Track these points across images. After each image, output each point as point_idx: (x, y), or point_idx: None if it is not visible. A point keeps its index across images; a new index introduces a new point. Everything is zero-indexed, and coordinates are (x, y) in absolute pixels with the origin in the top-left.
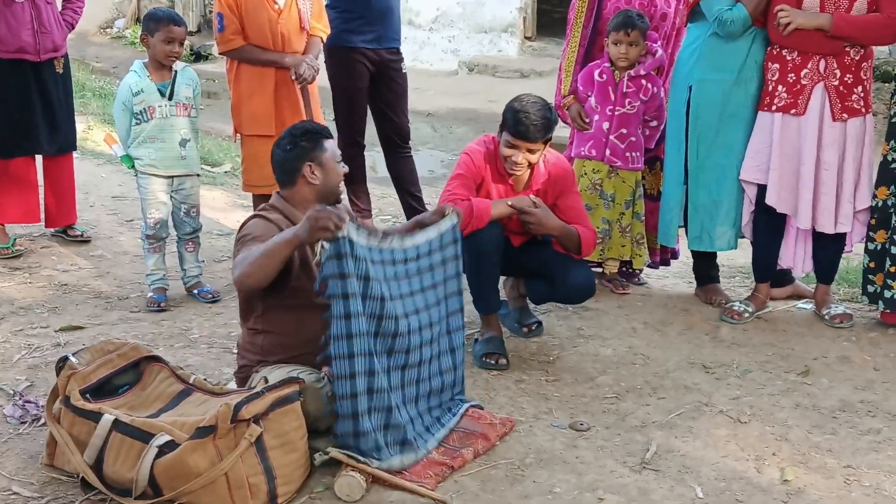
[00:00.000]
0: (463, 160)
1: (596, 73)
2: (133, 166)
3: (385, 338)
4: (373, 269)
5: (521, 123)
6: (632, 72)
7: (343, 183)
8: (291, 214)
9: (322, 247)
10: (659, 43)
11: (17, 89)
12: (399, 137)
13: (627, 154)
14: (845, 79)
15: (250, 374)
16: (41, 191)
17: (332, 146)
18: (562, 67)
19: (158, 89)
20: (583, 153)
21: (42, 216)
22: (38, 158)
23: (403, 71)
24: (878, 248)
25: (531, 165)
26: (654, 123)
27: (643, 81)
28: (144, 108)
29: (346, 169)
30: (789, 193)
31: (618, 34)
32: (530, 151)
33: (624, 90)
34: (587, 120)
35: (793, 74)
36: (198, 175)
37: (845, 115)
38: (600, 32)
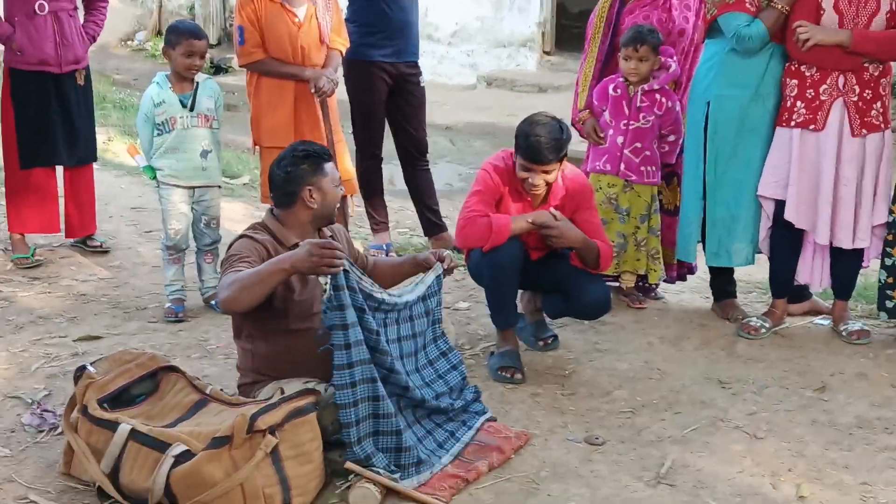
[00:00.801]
0: (481, 176)
1: (610, 87)
2: (155, 177)
3: (381, 369)
4: (365, 303)
5: (532, 148)
6: (645, 86)
7: (361, 195)
8: (283, 236)
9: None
10: (675, 58)
11: (37, 101)
12: (417, 150)
13: (642, 168)
14: (864, 94)
15: (250, 393)
16: (62, 202)
17: (331, 169)
18: (578, 82)
19: (180, 100)
20: (598, 168)
21: (62, 227)
22: (59, 170)
23: (421, 84)
24: (895, 263)
25: (549, 184)
26: (672, 138)
27: (657, 96)
28: (166, 119)
29: (343, 191)
30: (808, 209)
31: (627, 50)
32: (545, 172)
33: (638, 104)
34: (602, 135)
35: (811, 90)
36: (219, 187)
37: (864, 131)
38: (617, 48)
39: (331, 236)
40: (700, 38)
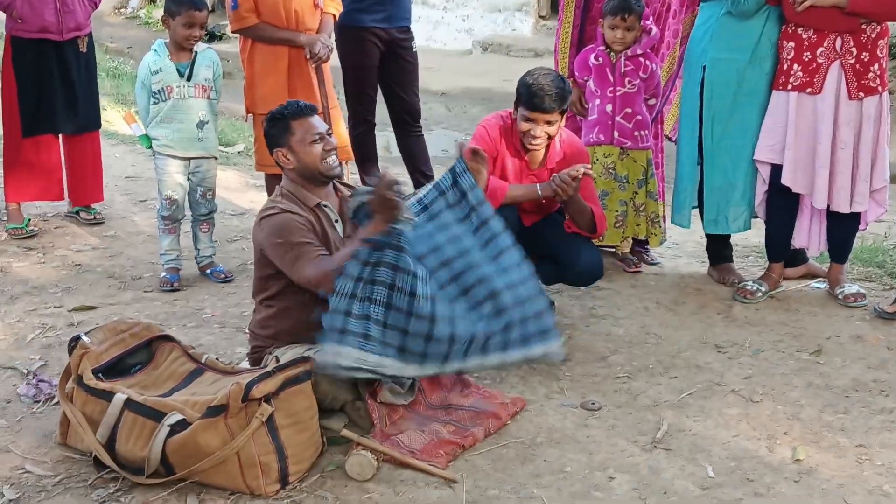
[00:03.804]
0: (479, 133)
1: (591, 57)
2: (150, 146)
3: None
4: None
5: (536, 95)
6: (628, 51)
7: (355, 161)
8: (304, 197)
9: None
10: (650, 19)
11: (39, 69)
12: (410, 116)
13: (636, 133)
14: (861, 57)
15: (263, 355)
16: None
17: (302, 127)
18: (557, 49)
19: (177, 69)
20: (591, 140)
21: (66, 194)
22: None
23: (414, 49)
24: None
25: (550, 139)
26: (653, 101)
27: (641, 59)
28: (162, 88)
29: (330, 145)
30: (805, 173)
31: (614, 19)
32: (548, 123)
33: (622, 70)
34: (587, 106)
35: (808, 53)
36: (215, 158)
37: (861, 94)
38: (591, 13)
39: (350, 195)
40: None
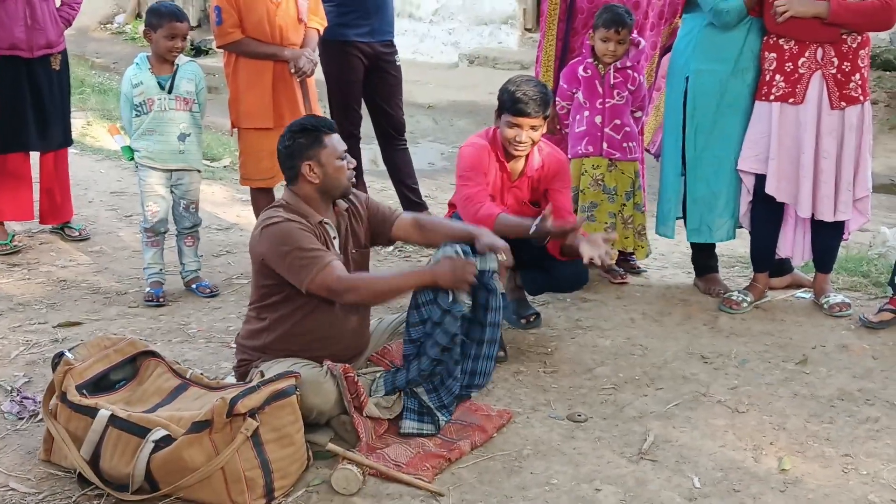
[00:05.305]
0: (467, 153)
1: (580, 69)
2: (132, 158)
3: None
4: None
5: (520, 101)
6: (617, 63)
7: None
8: (306, 212)
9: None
10: (635, 32)
11: (8, 85)
12: (394, 130)
13: (625, 145)
14: (843, 67)
15: (250, 369)
16: (37, 188)
17: (332, 142)
18: (539, 61)
19: (158, 82)
20: (580, 151)
21: (36, 213)
22: (35, 156)
23: (398, 63)
24: None
25: (534, 143)
26: (639, 114)
27: (629, 72)
28: (143, 101)
29: (353, 163)
30: (788, 182)
31: (608, 32)
32: (532, 128)
33: (611, 82)
34: (559, 127)
35: (790, 63)
36: (198, 171)
37: (843, 104)
38: (573, 22)
39: (347, 208)
40: (671, 13)
